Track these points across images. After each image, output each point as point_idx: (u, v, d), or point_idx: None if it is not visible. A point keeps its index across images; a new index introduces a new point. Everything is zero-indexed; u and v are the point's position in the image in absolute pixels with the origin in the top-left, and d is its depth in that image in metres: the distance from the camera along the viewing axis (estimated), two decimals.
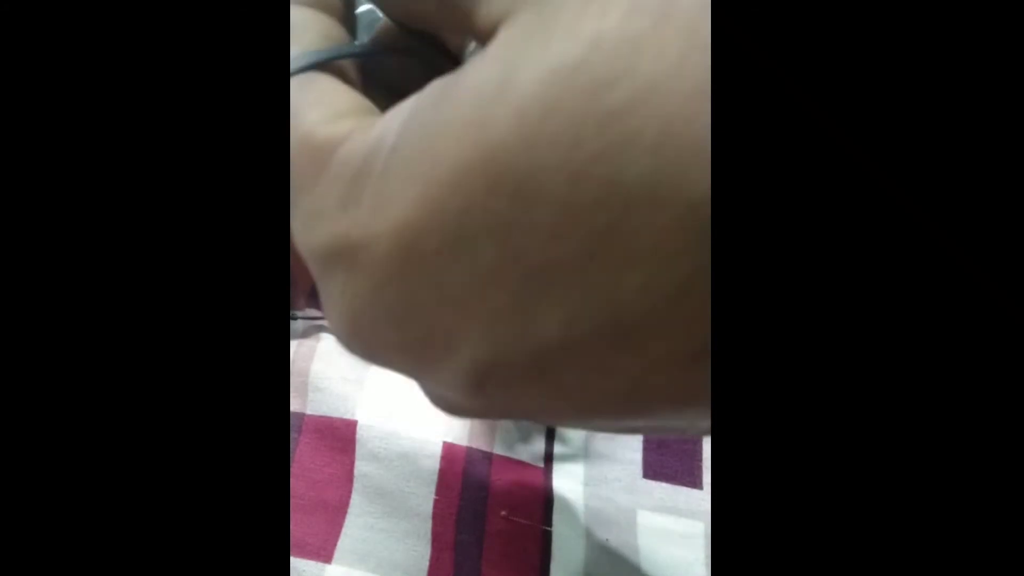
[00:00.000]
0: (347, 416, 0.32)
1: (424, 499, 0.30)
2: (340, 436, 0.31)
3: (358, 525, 0.29)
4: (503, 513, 0.29)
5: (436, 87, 0.13)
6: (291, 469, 0.31)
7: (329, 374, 0.33)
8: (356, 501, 0.30)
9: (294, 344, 0.34)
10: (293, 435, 0.31)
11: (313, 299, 0.35)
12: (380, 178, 0.13)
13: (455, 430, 0.31)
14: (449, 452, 0.31)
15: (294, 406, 0.32)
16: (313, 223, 0.14)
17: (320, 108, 0.15)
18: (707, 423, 0.13)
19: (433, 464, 0.30)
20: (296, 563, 0.29)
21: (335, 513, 0.30)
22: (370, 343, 0.14)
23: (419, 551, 0.29)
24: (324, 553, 0.29)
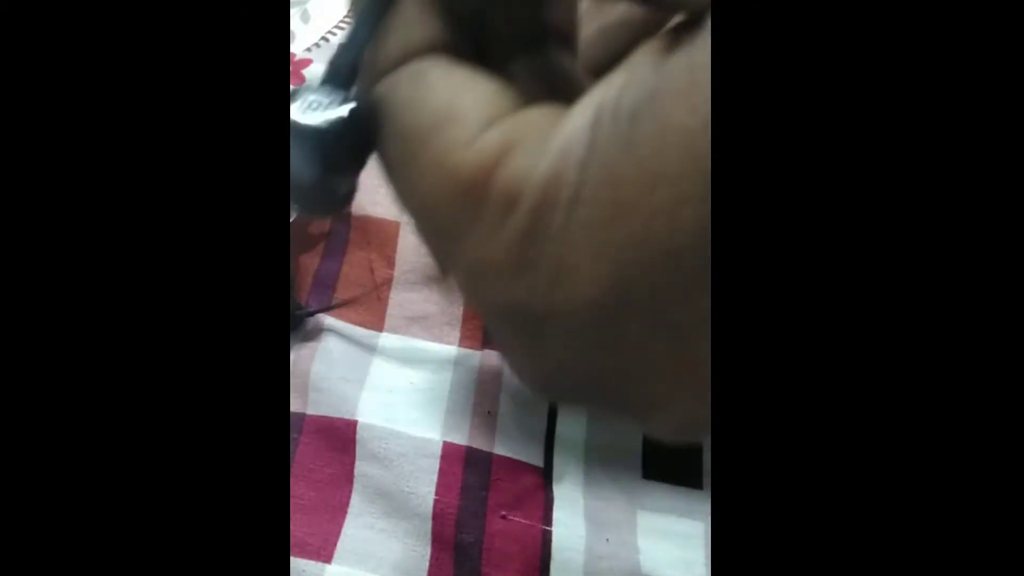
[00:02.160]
0: (347, 416, 0.32)
1: (424, 499, 0.30)
2: (340, 436, 0.31)
3: (358, 525, 0.29)
4: (503, 513, 0.29)
5: (614, 120, 0.11)
6: (291, 469, 0.31)
7: (329, 374, 0.33)
8: (356, 501, 0.30)
9: (294, 344, 0.34)
10: (293, 435, 0.31)
11: (314, 297, 0.35)
12: (560, 241, 0.11)
13: (455, 430, 0.31)
14: (449, 452, 0.31)
15: (294, 406, 0.32)
16: (482, 276, 0.12)
17: (452, 124, 0.13)
18: None
19: (433, 464, 0.30)
20: (296, 563, 0.29)
21: (335, 513, 0.30)
22: (563, 397, 0.14)
23: (419, 551, 0.29)
24: (324, 553, 0.29)
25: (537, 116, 0.13)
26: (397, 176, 0.14)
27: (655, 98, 0.11)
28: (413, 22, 0.14)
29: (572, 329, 0.12)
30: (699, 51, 0.10)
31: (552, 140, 0.12)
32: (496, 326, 0.13)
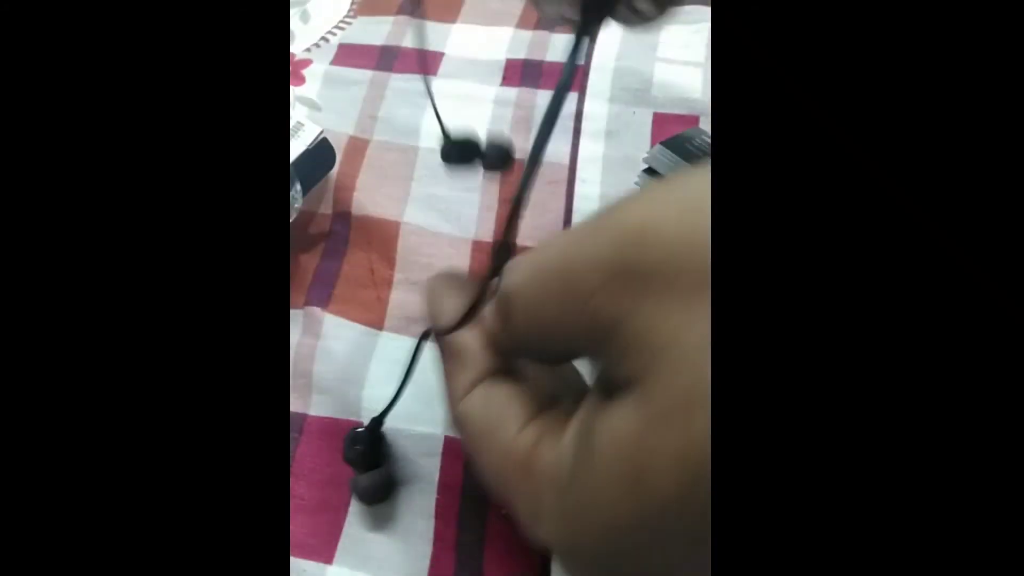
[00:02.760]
0: (350, 418, 0.32)
1: (426, 499, 0.30)
2: (343, 437, 0.31)
3: (359, 525, 0.29)
4: (504, 512, 0.29)
5: (582, 431, 0.18)
6: (292, 469, 0.31)
7: (331, 375, 0.33)
8: (357, 501, 0.30)
9: (294, 344, 0.34)
10: (294, 435, 0.31)
11: (312, 294, 0.35)
12: (572, 501, 0.18)
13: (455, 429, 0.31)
14: (450, 451, 0.31)
15: (296, 407, 0.32)
16: (534, 521, 0.19)
17: (510, 421, 0.20)
18: None
19: (434, 463, 0.30)
20: (297, 563, 0.29)
21: (336, 513, 0.30)
22: None
23: (420, 551, 0.29)
24: (325, 554, 0.29)
25: (553, 416, 0.20)
26: (475, 460, 0.22)
27: (597, 442, 0.17)
28: (475, 360, 0.22)
29: (592, 555, 0.18)
30: (619, 439, 0.16)
31: (561, 441, 0.19)
32: (547, 548, 0.20)
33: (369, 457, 0.29)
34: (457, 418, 0.22)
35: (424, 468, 0.30)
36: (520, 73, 0.43)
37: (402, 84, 0.42)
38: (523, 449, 0.20)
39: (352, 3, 0.48)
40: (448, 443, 0.31)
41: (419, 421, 0.31)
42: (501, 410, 0.21)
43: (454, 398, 0.23)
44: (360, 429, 0.29)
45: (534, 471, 0.19)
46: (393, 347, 0.34)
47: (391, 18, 0.46)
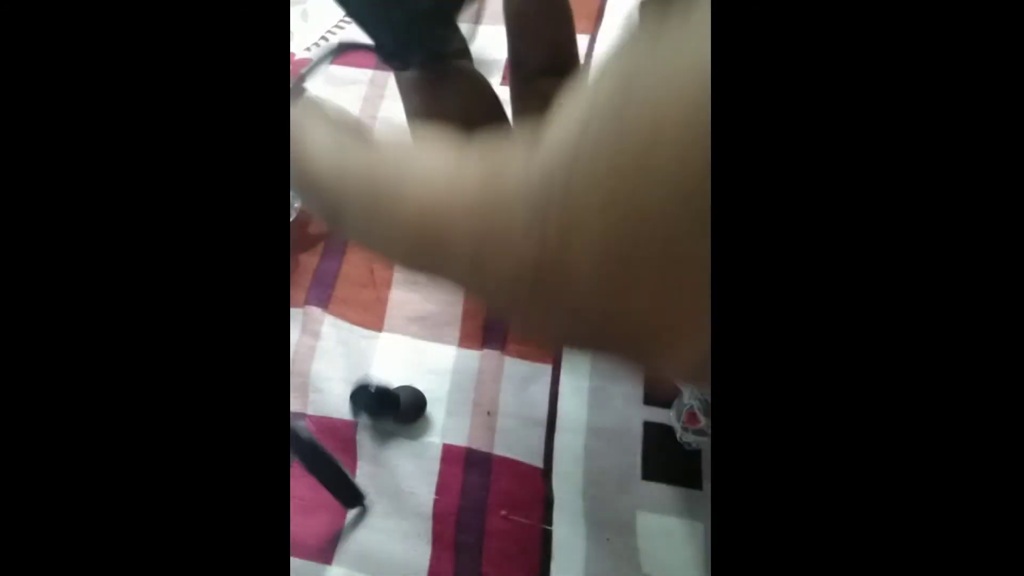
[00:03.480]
0: (347, 417, 0.32)
1: (424, 499, 0.30)
2: (340, 437, 0.31)
3: (359, 525, 0.29)
4: (503, 513, 0.29)
5: (611, 84, 0.12)
6: (291, 470, 0.31)
7: (329, 375, 0.33)
8: None
9: (294, 344, 0.34)
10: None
11: (312, 294, 0.35)
12: (566, 198, 0.12)
13: (454, 431, 0.31)
14: (449, 452, 0.31)
15: (295, 406, 0.32)
16: (495, 252, 0.14)
17: (436, 151, 0.15)
18: None
19: (433, 464, 0.30)
20: (297, 564, 0.29)
21: (335, 514, 0.30)
22: (579, 345, 0.15)
23: (419, 551, 0.29)
24: (325, 554, 0.29)
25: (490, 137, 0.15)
26: (373, 232, 0.15)
27: (648, 59, 0.12)
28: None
29: (585, 277, 0.13)
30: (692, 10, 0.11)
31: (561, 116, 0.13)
32: (506, 296, 0.14)
33: (376, 410, 0.31)
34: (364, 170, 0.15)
35: (423, 469, 0.30)
36: None
37: None
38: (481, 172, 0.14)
39: None
40: (447, 448, 0.31)
41: (419, 425, 0.31)
42: (417, 148, 0.15)
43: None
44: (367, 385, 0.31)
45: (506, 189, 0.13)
46: (393, 347, 0.34)
47: None
